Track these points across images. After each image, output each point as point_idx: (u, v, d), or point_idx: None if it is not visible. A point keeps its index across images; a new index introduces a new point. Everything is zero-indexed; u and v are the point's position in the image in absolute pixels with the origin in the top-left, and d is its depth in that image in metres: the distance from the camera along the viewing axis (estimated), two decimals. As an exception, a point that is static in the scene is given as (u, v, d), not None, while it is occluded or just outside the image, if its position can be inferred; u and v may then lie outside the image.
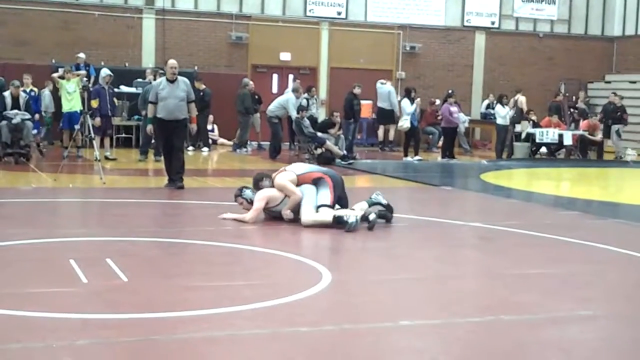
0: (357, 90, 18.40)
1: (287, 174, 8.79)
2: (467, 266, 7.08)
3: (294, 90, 18.54)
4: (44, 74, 18.51)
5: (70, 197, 10.47)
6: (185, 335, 4.52)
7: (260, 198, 8.65)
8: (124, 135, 19.56)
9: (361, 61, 23.10)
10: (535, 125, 20.71)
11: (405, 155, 18.35)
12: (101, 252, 6.86)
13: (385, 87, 21.13)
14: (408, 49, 23.69)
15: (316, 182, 8.76)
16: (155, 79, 16.39)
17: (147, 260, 6.75)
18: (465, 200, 12.25)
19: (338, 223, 8.21)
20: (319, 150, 16.99)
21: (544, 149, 20.95)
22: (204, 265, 6.79)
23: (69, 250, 6.90)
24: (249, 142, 19.52)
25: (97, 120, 15.39)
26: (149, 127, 11.54)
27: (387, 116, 21.05)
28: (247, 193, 8.89)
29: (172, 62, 11.56)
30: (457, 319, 5.10)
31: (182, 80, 11.49)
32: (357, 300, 5.57)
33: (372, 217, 8.42)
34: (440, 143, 20.30)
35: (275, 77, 22.79)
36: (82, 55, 18.60)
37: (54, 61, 19.61)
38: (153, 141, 16.37)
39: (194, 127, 12.04)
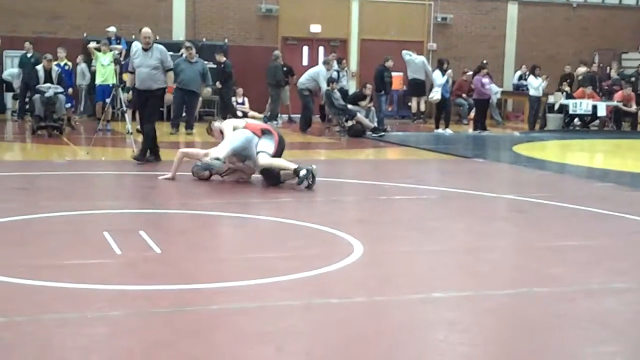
0: (389, 63, 18.27)
1: (232, 122, 9.68)
2: (500, 238, 7.04)
3: (325, 63, 18.47)
4: (77, 48, 18.62)
5: (102, 170, 10.55)
6: (218, 306, 4.55)
7: (189, 150, 10.00)
8: (155, 108, 19.62)
9: (392, 33, 22.94)
10: (569, 96, 20.49)
11: (437, 128, 18.25)
12: (134, 224, 6.92)
13: (419, 58, 20.94)
14: (439, 20, 23.47)
15: (264, 132, 9.27)
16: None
17: (180, 232, 6.80)
18: (497, 173, 12.18)
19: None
20: (350, 123, 16.94)
21: (577, 121, 20.73)
22: (236, 237, 6.83)
23: (103, 222, 6.96)
24: (279, 115, 19.51)
25: (129, 93, 15.43)
26: (128, 96, 11.29)
27: (419, 88, 20.91)
28: (216, 125, 9.82)
29: (145, 30, 11.18)
30: (489, 291, 5.08)
31: (157, 48, 11.12)
32: (389, 272, 5.57)
33: (302, 172, 8.91)
34: (472, 115, 20.16)
35: (305, 49, 22.71)
36: (112, 29, 18.66)
37: (86, 35, 19.69)
38: (184, 114, 16.47)
39: (169, 97, 11.56)
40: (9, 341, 3.84)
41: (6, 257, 5.58)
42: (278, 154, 9.31)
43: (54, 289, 4.75)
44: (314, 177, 8.94)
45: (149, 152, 11.09)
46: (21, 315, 4.22)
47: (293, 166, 9.05)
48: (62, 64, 16.53)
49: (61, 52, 16.82)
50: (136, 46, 11.11)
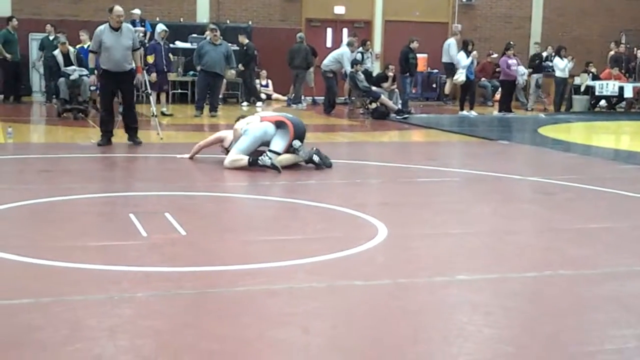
0: (414, 45, 18.17)
1: (246, 119, 9.53)
2: (525, 221, 7.01)
3: (349, 45, 18.41)
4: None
5: (127, 153, 10.61)
6: (244, 288, 4.57)
7: (216, 134, 10.03)
8: (179, 90, 19.70)
9: (416, 14, 22.79)
10: (595, 77, 20.29)
11: (461, 110, 18.16)
12: (159, 206, 6.96)
13: (447, 40, 20.70)
14: (464, 0, 23.29)
15: (279, 125, 9.19)
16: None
17: (205, 215, 6.83)
18: (522, 155, 12.11)
19: (252, 165, 8.89)
20: (374, 105, 16.90)
21: (603, 102, 20.54)
22: (260, 220, 6.85)
23: (128, 204, 7.01)
24: (303, 97, 19.49)
25: (153, 75, 15.47)
26: (92, 78, 11.02)
27: (447, 69, 20.71)
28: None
29: (118, 9, 10.84)
30: (514, 273, 5.07)
31: (127, 28, 10.95)
32: (413, 254, 5.57)
33: (316, 158, 9.10)
34: (496, 97, 20.03)
35: (329, 31, 22.64)
36: (137, 11, 18.70)
37: (109, 17, 19.72)
38: (208, 96, 16.50)
39: (139, 77, 11.59)
40: (37, 322, 3.89)
41: (33, 239, 5.65)
42: (299, 139, 9.27)
43: (81, 271, 4.80)
44: (320, 154, 9.12)
45: (131, 132, 11.16)
46: (48, 296, 4.27)
47: (301, 158, 9.15)
48: (85, 46, 16.53)
49: (83, 35, 16.83)
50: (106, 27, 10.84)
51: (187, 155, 9.71)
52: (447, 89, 21.22)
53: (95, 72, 11.16)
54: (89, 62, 11.25)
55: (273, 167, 8.75)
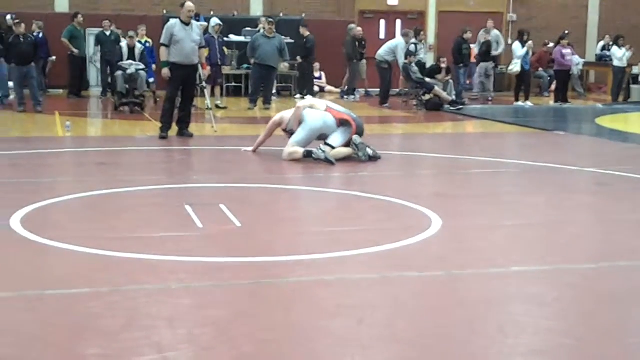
0: (467, 35, 17.98)
1: (311, 101, 9.68)
2: (582, 212, 6.93)
3: (404, 35, 18.28)
4: (156, 25, 18.86)
5: (183, 145, 10.73)
6: (297, 278, 4.61)
7: (272, 119, 9.77)
8: (233, 84, 19.82)
9: (471, 4, 22.56)
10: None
11: (516, 100, 17.95)
12: (215, 197, 7.04)
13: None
14: (520, -10, 23.00)
15: (343, 123, 9.24)
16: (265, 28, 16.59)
17: (259, 206, 6.88)
18: (579, 145, 11.94)
19: (307, 156, 8.96)
20: (427, 96, 16.81)
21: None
22: (314, 211, 6.88)
23: (184, 196, 7.10)
24: (356, 89, 19.44)
25: (208, 69, 15.59)
26: (164, 71, 11.16)
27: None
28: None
29: (189, 4, 11.16)
30: (570, 265, 5.01)
31: (196, 24, 11.34)
32: (467, 246, 5.54)
33: (371, 151, 9.12)
34: (553, 87, 19.76)
35: (382, 22, 22.55)
36: (191, 5, 18.80)
37: (165, 12, 19.94)
38: (261, 89, 16.57)
39: (204, 73, 11.87)
40: (97, 310, 3.97)
41: (91, 230, 5.76)
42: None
43: (138, 261, 4.89)
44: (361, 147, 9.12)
45: (184, 126, 11.32)
46: (107, 286, 4.35)
47: (358, 153, 9.11)
48: (143, 41, 16.73)
49: (142, 30, 17.02)
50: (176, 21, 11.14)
51: (251, 149, 9.74)
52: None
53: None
54: (161, 56, 11.46)
55: (327, 160, 8.76)
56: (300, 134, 9.18)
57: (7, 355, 3.42)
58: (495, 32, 19.50)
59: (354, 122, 9.31)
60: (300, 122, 9.27)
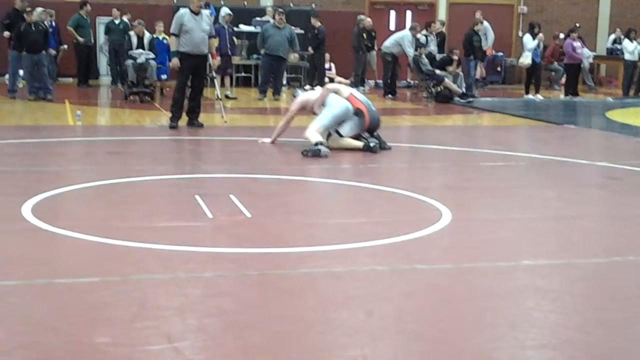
0: (477, 27, 17.93)
1: (337, 86, 9.78)
2: (592, 206, 6.91)
3: (412, 28, 18.21)
4: (167, 14, 18.83)
5: (193, 135, 10.74)
6: (307, 269, 4.61)
7: (295, 102, 9.79)
8: (243, 74, 19.81)
9: (481, -5, 22.48)
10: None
11: (527, 93, 17.90)
12: (224, 188, 7.05)
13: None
14: (531, -18, 22.89)
15: (357, 113, 9.29)
16: (274, 18, 16.56)
17: (269, 197, 6.88)
18: (589, 139, 11.91)
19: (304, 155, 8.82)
20: (437, 88, 16.77)
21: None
22: (324, 202, 6.89)
23: (194, 186, 7.11)
24: (365, 80, 19.39)
25: (218, 59, 15.55)
26: (174, 61, 11.16)
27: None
28: (298, 92, 10.05)
29: None
30: (581, 259, 5.00)
31: (205, 14, 11.32)
32: (478, 239, 5.53)
33: (372, 144, 9.12)
34: (563, 80, 19.68)
35: (392, 13, 22.49)
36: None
37: (175, 1, 19.93)
38: (271, 80, 16.56)
39: (214, 62, 11.98)
40: (107, 299, 3.98)
41: (101, 219, 5.77)
42: (370, 132, 9.41)
43: (148, 250, 4.89)
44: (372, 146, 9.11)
45: (194, 116, 11.36)
46: (118, 275, 4.36)
47: (360, 144, 9.18)
48: (160, 37, 16.34)
49: (159, 26, 16.36)
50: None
51: (269, 140, 9.72)
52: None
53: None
54: (170, 46, 11.44)
55: (315, 145, 8.72)
56: (324, 118, 9.22)
57: (17, 343, 3.43)
58: (485, 24, 19.31)
59: (368, 114, 9.32)
60: (323, 104, 9.34)
